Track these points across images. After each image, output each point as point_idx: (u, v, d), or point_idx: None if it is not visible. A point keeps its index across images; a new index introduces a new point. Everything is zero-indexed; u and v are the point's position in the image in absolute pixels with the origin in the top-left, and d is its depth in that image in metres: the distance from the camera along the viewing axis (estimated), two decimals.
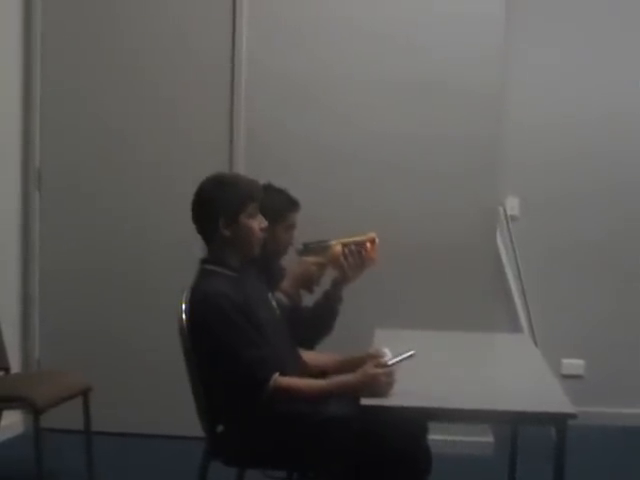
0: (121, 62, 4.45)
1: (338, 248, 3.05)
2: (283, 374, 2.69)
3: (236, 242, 2.81)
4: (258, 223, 2.83)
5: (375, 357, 2.70)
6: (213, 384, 2.81)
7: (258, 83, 4.35)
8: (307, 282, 3.12)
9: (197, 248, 2.94)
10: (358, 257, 3.07)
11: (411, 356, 2.62)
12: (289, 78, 4.35)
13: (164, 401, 4.37)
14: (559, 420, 2.50)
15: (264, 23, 4.34)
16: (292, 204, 3.24)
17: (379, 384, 2.60)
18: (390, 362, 2.61)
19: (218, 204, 2.80)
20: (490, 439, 4.32)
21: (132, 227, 4.48)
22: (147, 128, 4.45)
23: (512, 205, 4.81)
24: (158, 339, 4.16)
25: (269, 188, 3.17)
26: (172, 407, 4.18)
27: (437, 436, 3.28)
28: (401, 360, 2.61)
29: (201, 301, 2.74)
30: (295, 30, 4.34)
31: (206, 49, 4.40)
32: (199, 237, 2.85)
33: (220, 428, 2.87)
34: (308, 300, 3.21)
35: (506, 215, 4.74)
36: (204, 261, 2.85)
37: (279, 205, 3.16)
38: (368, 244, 3.07)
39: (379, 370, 2.60)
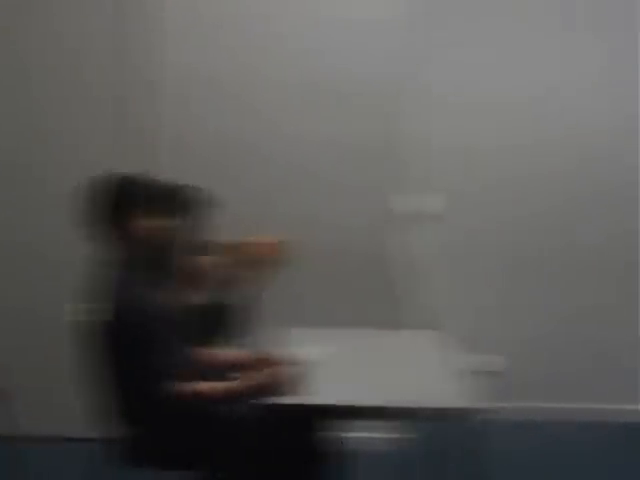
0: (36, 55, 4.31)
1: (245, 248, 3.05)
2: (189, 376, 2.69)
3: (133, 243, 2.79)
4: (154, 223, 2.81)
5: (281, 356, 2.71)
6: (119, 386, 2.79)
7: (173, 81, 4.29)
8: (219, 282, 3.11)
9: None
10: (265, 257, 3.07)
11: (327, 355, 2.63)
12: (205, 76, 4.29)
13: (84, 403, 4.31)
14: (467, 415, 2.53)
15: (180, 20, 4.29)
16: (199, 202, 3.20)
17: (286, 382, 2.60)
18: (297, 361, 2.61)
19: (113, 204, 2.78)
20: (406, 435, 4.34)
21: (44, 224, 4.35)
22: (52, 127, 4.33)
23: (432, 202, 4.83)
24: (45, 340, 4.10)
25: (173, 186, 3.11)
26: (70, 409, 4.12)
27: (354, 433, 3.30)
28: (310, 359, 2.62)
29: (113, 303, 2.72)
30: (211, 28, 4.29)
31: (121, 45, 4.33)
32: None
33: (128, 430, 2.85)
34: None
35: (422, 213, 4.76)
36: (106, 263, 2.83)
37: (184, 202, 3.10)
38: (275, 245, 3.07)
39: (286, 369, 2.61)
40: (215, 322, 3.11)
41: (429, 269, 4.66)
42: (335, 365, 2.78)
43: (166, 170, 3.37)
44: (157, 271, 2.90)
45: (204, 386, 2.71)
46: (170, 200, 2.92)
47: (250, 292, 3.18)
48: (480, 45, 4.71)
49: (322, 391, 2.64)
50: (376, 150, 4.31)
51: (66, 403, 4.34)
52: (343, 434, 3.03)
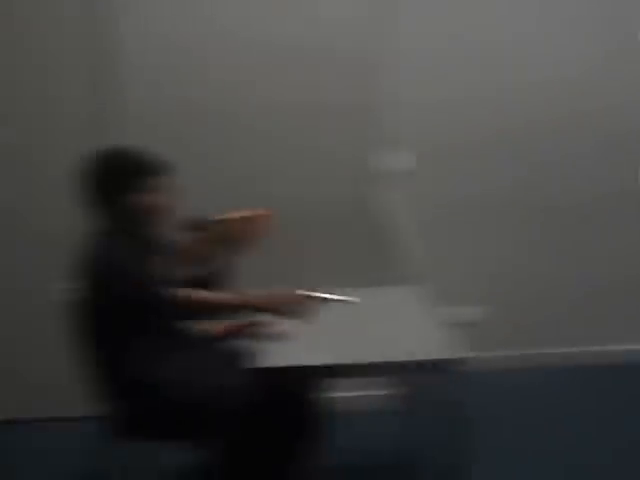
0: None
1: (227, 224, 3.03)
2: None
3: (130, 217, 2.82)
4: (155, 198, 2.83)
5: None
6: (110, 349, 2.80)
7: (136, 50, 4.21)
8: (197, 258, 3.11)
9: None
10: (247, 233, 3.05)
11: (351, 302, 2.62)
12: (169, 43, 4.23)
13: (55, 383, 4.31)
14: (449, 366, 2.57)
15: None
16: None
17: (299, 306, 2.66)
18: (327, 295, 2.61)
19: (108, 179, 2.80)
20: (391, 392, 4.38)
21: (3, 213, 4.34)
22: (14, 110, 4.27)
23: (404, 159, 4.84)
24: (41, 323, 4.11)
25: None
26: (65, 388, 4.14)
27: (340, 392, 3.33)
28: (339, 300, 2.62)
29: (100, 271, 2.75)
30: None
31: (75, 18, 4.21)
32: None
33: (118, 404, 2.88)
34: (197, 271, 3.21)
35: (397, 170, 4.78)
36: (98, 234, 2.86)
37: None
38: (258, 219, 3.05)
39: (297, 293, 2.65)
40: None
41: (407, 225, 4.68)
42: (318, 324, 2.80)
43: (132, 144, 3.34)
44: (146, 244, 2.92)
45: (200, 294, 2.74)
46: (160, 174, 2.92)
47: (225, 266, 3.17)
48: None
49: (309, 351, 2.67)
50: (348, 110, 4.31)
51: (58, 383, 4.39)
52: (330, 394, 3.08)
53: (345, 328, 3.01)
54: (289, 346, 2.67)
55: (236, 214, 3.06)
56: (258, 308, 2.72)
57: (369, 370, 2.84)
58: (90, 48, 4.22)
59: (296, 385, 2.80)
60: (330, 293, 2.66)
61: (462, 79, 4.74)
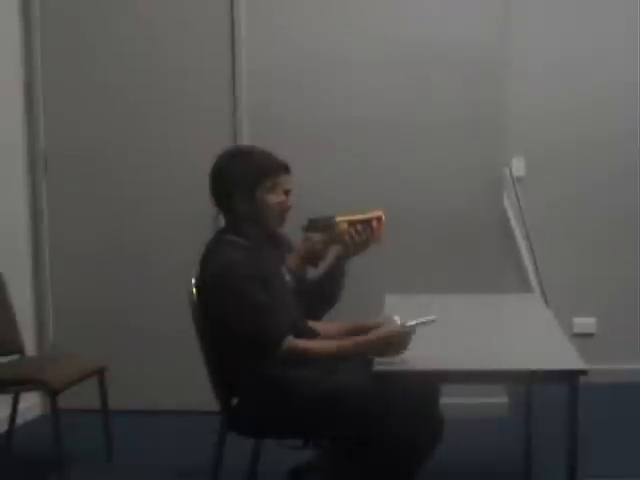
0: (124, 44, 4.43)
1: (344, 226, 3.01)
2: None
3: (253, 216, 2.83)
4: (277, 198, 2.85)
5: (390, 321, 2.71)
6: (227, 352, 2.82)
7: (259, 62, 4.34)
8: (312, 259, 3.11)
9: None
10: (364, 235, 3.04)
11: (432, 321, 2.62)
12: (289, 52, 4.33)
13: (179, 377, 4.40)
14: (570, 377, 2.51)
15: (262, 2, 4.33)
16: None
17: (393, 344, 2.61)
18: (408, 324, 2.61)
19: (233, 178, 2.83)
20: (505, 400, 4.33)
21: (140, 207, 4.49)
22: (152, 110, 4.44)
23: (518, 166, 4.80)
24: (171, 316, 4.18)
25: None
26: (188, 382, 4.22)
27: (451, 399, 3.30)
28: (420, 324, 2.61)
29: (213, 270, 2.76)
30: (294, 6, 4.34)
31: (207, 33, 4.37)
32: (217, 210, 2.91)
33: (235, 400, 2.89)
34: (312, 272, 3.22)
35: (512, 176, 4.73)
36: (220, 232, 2.88)
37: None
38: (374, 222, 3.04)
39: (394, 330, 2.62)
40: (305, 296, 3.10)
41: (520, 232, 4.63)
42: (434, 330, 2.77)
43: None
44: (270, 243, 2.93)
45: (314, 343, 2.75)
46: (279, 174, 2.92)
47: (340, 267, 3.15)
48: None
49: (423, 356, 2.64)
50: (463, 110, 4.29)
51: (162, 377, 4.47)
52: (443, 400, 3.05)
53: (465, 334, 2.97)
54: (412, 350, 2.63)
55: (352, 216, 3.05)
56: (363, 352, 2.72)
57: (489, 377, 2.79)
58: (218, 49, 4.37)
59: (418, 390, 2.77)
60: (413, 320, 2.63)
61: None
